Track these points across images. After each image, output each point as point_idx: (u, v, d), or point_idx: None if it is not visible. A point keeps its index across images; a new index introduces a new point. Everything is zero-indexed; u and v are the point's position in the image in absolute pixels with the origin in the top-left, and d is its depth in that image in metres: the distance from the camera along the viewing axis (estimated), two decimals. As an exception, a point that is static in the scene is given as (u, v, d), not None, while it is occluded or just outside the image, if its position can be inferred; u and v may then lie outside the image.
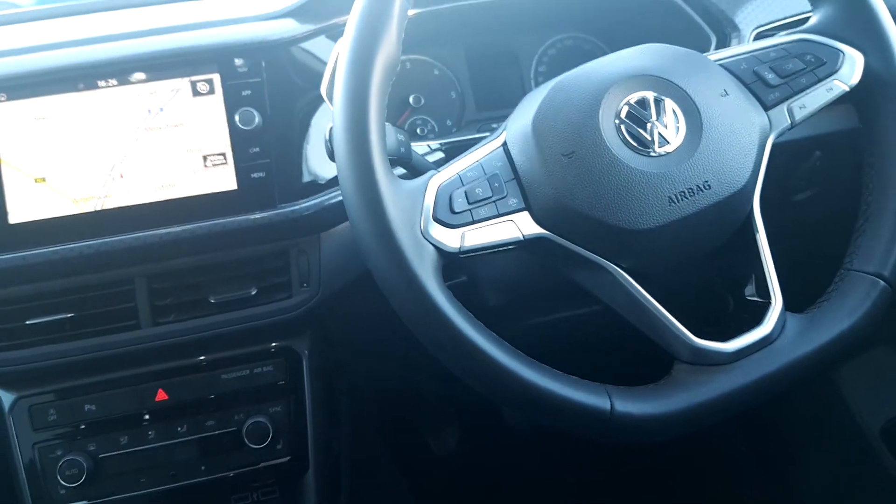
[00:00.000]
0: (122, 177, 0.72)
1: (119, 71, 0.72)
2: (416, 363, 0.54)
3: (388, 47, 0.53)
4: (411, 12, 0.85)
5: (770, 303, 0.57)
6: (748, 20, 0.86)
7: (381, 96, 0.52)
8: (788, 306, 0.60)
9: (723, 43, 0.87)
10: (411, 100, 0.93)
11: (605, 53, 0.99)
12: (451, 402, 1.30)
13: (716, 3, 0.87)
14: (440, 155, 0.82)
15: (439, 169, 0.56)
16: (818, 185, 0.91)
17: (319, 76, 0.79)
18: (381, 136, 0.52)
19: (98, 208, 0.72)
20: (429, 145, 0.83)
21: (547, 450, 1.28)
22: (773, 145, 0.65)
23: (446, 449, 1.31)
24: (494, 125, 0.89)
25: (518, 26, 0.98)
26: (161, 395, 0.78)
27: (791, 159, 0.90)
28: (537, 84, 0.99)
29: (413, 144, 0.82)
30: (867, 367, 1.11)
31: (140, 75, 0.73)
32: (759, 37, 0.85)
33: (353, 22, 0.53)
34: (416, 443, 1.31)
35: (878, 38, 0.61)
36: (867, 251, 0.60)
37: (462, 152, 0.62)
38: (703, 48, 0.88)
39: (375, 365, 1.05)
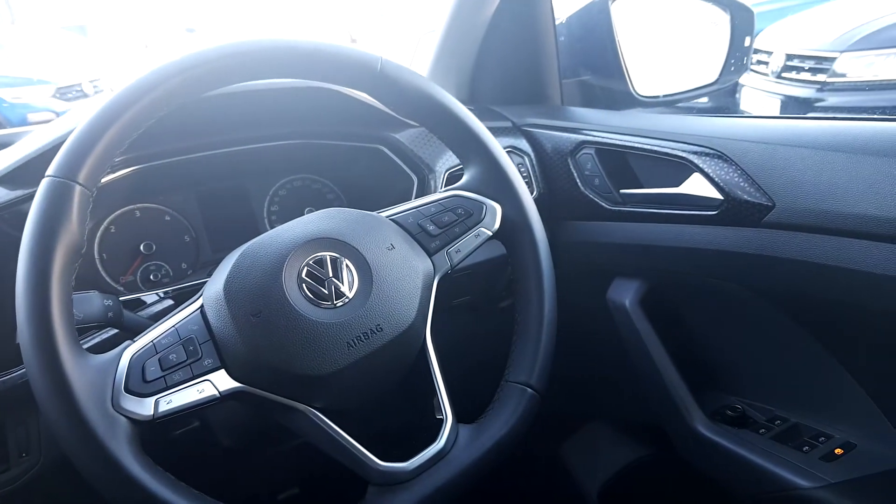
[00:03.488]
0: None
1: None
2: None
3: (69, 233, 0.56)
4: (122, 173, 0.90)
5: (444, 419, 0.66)
6: (442, 164, 1.02)
7: (64, 281, 0.55)
8: (478, 416, 0.71)
9: (423, 182, 1.02)
10: (142, 247, 0.95)
11: (332, 190, 1.12)
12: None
13: (416, 153, 1.02)
14: (169, 303, 0.84)
15: (135, 339, 0.59)
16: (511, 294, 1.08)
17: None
18: (64, 320, 0.54)
19: None
20: (157, 294, 0.85)
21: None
22: (479, 263, 0.76)
23: None
24: None
25: (247, 172, 1.05)
26: None
27: (492, 273, 1.06)
28: (270, 222, 1.06)
29: (141, 295, 0.85)
30: (583, 439, 1.29)
31: None
32: (450, 176, 1.01)
33: (33, 210, 0.56)
34: None
35: (511, 192, 0.76)
36: (518, 364, 0.72)
37: (190, 297, 0.66)
38: (409, 185, 1.03)
39: None
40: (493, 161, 0.77)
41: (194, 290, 0.87)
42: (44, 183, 0.57)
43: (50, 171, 0.57)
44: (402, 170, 1.03)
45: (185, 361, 0.58)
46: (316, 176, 1.11)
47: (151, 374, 0.57)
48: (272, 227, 1.05)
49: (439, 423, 0.67)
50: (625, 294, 1.03)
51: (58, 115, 5.41)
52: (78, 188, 0.57)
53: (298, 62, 0.67)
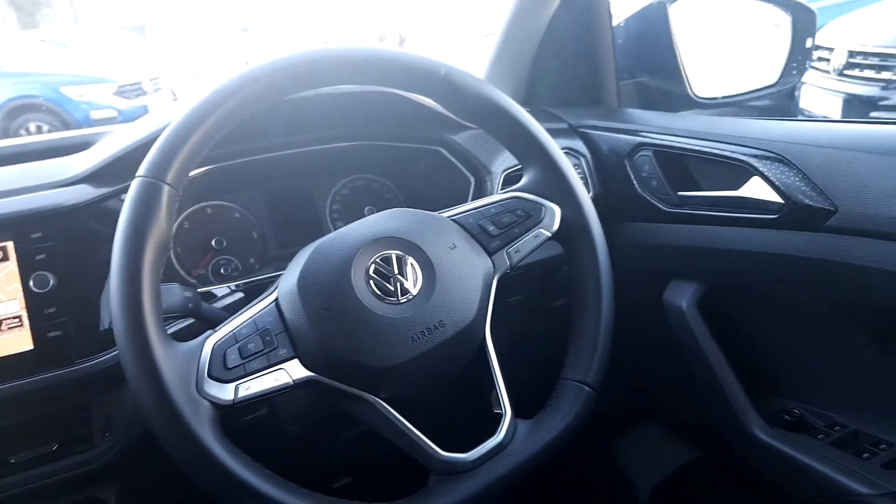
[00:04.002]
0: None
1: None
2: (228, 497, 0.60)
3: (158, 230, 0.60)
4: (194, 173, 0.94)
5: (503, 414, 0.69)
6: (498, 165, 1.04)
7: (154, 274, 0.60)
8: (535, 410, 0.73)
9: (480, 182, 1.04)
10: (214, 242, 1.00)
11: (390, 190, 1.15)
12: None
13: (474, 154, 1.05)
14: (240, 295, 0.88)
15: (216, 329, 0.63)
16: (568, 294, 1.09)
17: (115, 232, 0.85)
18: (155, 310, 0.59)
19: None
20: (229, 287, 0.90)
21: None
22: (534, 262, 0.78)
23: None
24: None
25: (311, 172, 1.09)
26: None
27: (547, 273, 1.08)
28: (333, 220, 1.10)
29: (213, 288, 0.89)
30: (637, 439, 1.29)
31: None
32: (507, 177, 1.03)
33: (125, 209, 0.60)
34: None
35: (570, 194, 0.77)
36: (575, 362, 0.74)
37: (260, 291, 0.71)
38: (465, 185, 1.05)
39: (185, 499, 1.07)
40: (552, 163, 0.78)
41: (263, 284, 0.92)
42: (135, 183, 0.61)
43: (141, 171, 0.62)
44: (460, 170, 1.05)
45: (262, 351, 0.62)
46: (376, 176, 1.14)
47: (232, 361, 0.61)
48: (335, 225, 1.10)
49: (497, 418, 0.70)
50: (682, 296, 1.03)
51: (119, 112, 5.61)
52: (166, 188, 0.61)
53: (373, 69, 0.71)
